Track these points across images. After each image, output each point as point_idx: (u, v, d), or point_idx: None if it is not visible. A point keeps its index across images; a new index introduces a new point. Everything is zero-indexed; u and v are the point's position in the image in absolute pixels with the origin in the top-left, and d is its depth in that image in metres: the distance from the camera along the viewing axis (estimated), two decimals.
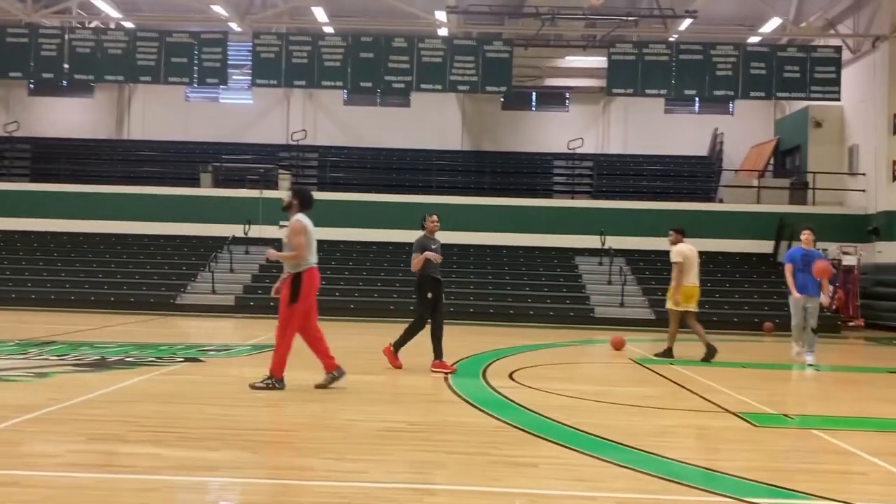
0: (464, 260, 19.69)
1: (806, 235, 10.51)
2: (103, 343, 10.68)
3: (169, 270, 18.75)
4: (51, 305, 17.01)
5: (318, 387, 7.28)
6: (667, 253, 20.32)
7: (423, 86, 19.95)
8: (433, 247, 8.84)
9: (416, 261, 8.73)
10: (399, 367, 8.74)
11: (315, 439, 5.34)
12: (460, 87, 20.20)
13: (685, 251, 10.79)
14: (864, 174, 20.16)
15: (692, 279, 10.72)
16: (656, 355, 10.99)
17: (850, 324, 17.76)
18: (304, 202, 7.35)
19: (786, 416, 6.86)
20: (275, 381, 7.21)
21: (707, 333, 10.81)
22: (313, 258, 7.24)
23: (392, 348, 8.88)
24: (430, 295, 8.73)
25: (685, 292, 10.70)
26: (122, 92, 25.24)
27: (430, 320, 8.83)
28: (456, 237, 20.13)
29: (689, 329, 11.00)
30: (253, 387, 7.15)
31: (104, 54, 19.87)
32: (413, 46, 19.71)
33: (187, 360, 9.30)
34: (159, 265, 19.08)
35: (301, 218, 7.23)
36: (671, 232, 11.16)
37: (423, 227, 9.07)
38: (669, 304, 10.94)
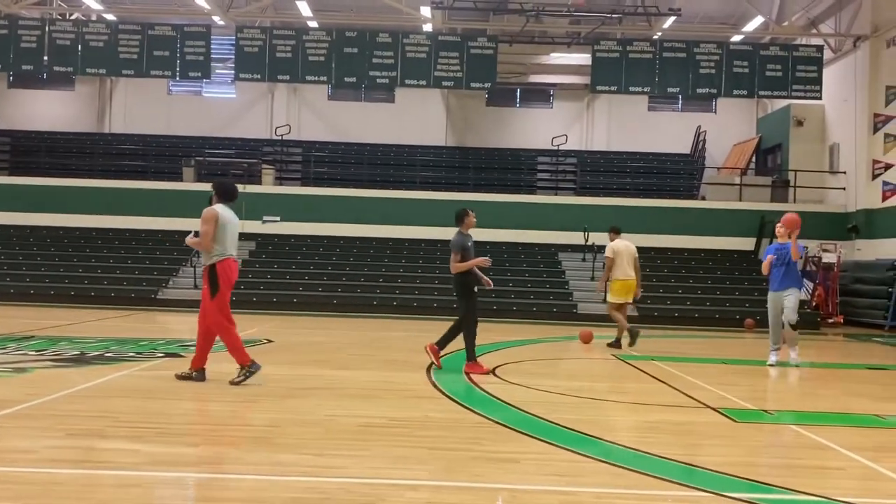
0: (448, 255, 19.65)
1: (778, 229, 10.16)
2: (83, 338, 10.58)
3: (150, 265, 18.61)
4: (30, 300, 16.84)
5: (179, 377, 7.23)
6: (650, 250, 20.52)
7: (407, 81, 19.91)
8: (469, 244, 8.61)
9: (463, 264, 8.40)
10: (488, 371, 8.36)
11: (295, 435, 5.32)
12: (445, 83, 20.17)
13: (617, 247, 11.41)
14: (844, 172, 20.37)
15: (626, 273, 11.31)
16: (609, 344, 11.45)
17: (830, 320, 17.94)
18: (221, 194, 7.39)
19: (765, 411, 6.91)
20: (247, 369, 7.17)
21: (689, 329, 10.97)
22: (229, 249, 7.20)
23: (468, 362, 8.44)
24: (476, 289, 8.48)
25: (621, 286, 11.34)
26: (103, 85, 24.99)
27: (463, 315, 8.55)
28: (440, 233, 20.13)
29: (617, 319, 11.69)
30: (233, 383, 7.12)
31: (85, 47, 19.65)
32: (397, 42, 19.65)
33: (168, 355, 9.23)
34: (140, 260, 18.92)
35: (215, 207, 7.26)
36: (609, 231, 11.81)
37: (460, 223, 8.71)
38: (608, 298, 11.56)
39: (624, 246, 11.45)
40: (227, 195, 7.42)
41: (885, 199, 18.72)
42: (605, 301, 12.07)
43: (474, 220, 8.79)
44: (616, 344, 11.57)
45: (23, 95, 25.13)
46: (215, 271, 7.13)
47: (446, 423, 5.91)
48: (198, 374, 7.29)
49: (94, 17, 22.41)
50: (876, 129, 19.04)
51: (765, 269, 10.16)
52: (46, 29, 19.75)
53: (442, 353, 8.68)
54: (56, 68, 19.98)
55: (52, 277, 17.80)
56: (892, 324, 17.11)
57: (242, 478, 4.32)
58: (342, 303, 17.28)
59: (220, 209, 7.27)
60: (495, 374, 8.37)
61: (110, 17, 22.04)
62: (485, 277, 8.67)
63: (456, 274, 8.57)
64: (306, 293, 17.63)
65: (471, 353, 8.47)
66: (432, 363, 8.57)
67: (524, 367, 9.34)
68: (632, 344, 11.35)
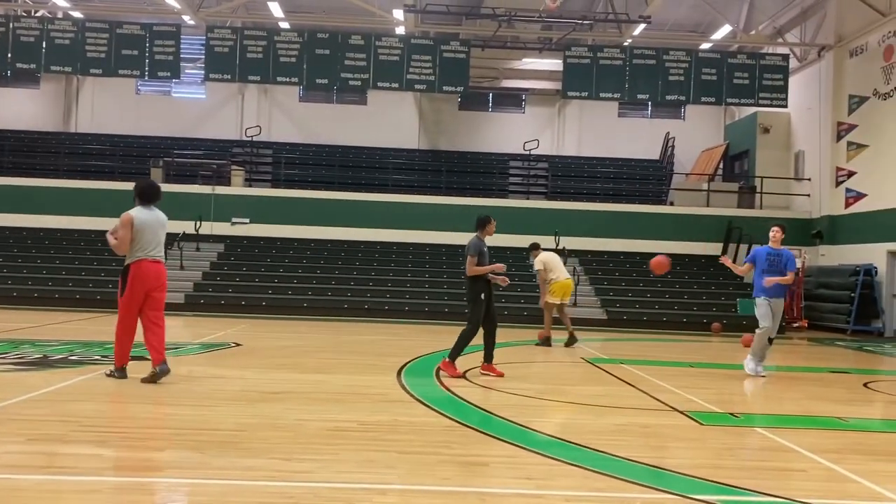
0: (419, 259, 19.68)
1: (774, 233, 9.61)
2: (46, 341, 10.38)
3: (117, 267, 18.20)
4: None
5: (144, 381, 7.16)
6: (619, 254, 20.70)
7: (379, 84, 19.88)
8: (485, 249, 8.54)
9: (479, 268, 8.29)
10: (461, 375, 8.31)
11: (264, 439, 5.26)
12: (417, 87, 20.17)
13: (544, 258, 12.43)
14: (809, 179, 20.76)
15: (561, 275, 12.35)
16: (566, 344, 12.26)
17: (795, 325, 18.26)
18: (140, 195, 7.45)
19: (731, 414, 7.01)
20: (116, 370, 7.33)
21: (657, 333, 11.10)
22: (143, 252, 7.23)
23: (447, 360, 8.41)
24: (482, 295, 8.35)
25: (560, 287, 12.29)
26: (69, 83, 24.59)
27: (484, 322, 8.49)
28: (411, 236, 20.13)
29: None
30: (108, 373, 7.40)
31: (50, 44, 19.32)
32: (370, 44, 19.62)
33: (134, 358, 9.04)
34: (107, 261, 18.60)
35: (131, 211, 7.34)
36: (531, 250, 12.86)
37: (480, 229, 8.59)
38: (547, 299, 12.38)
39: (549, 255, 12.54)
40: (144, 197, 7.43)
41: (847, 205, 19.12)
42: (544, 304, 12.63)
43: (494, 227, 8.72)
44: (571, 340, 12.30)
45: None
46: (127, 272, 7.21)
47: (416, 426, 5.90)
48: (155, 370, 7.20)
49: (60, 15, 22.04)
50: (839, 137, 19.45)
51: (743, 271, 9.90)
52: (10, 26, 19.37)
53: (494, 362, 8.60)
54: (19, 65, 19.60)
55: (15, 279, 17.44)
56: (855, 328, 17.47)
57: (209, 482, 4.26)
58: (312, 306, 17.17)
59: (136, 212, 7.31)
60: (466, 378, 8.37)
61: (77, 14, 21.69)
62: (499, 276, 8.54)
63: (469, 278, 8.46)
64: (276, 296, 17.50)
65: (454, 355, 8.43)
66: (495, 376, 8.43)
67: None
68: (568, 344, 12.37)
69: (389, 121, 24.71)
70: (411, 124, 25.10)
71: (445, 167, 23.43)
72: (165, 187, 22.63)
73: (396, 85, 19.94)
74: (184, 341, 11.25)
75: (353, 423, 5.90)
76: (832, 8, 19.64)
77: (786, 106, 20.51)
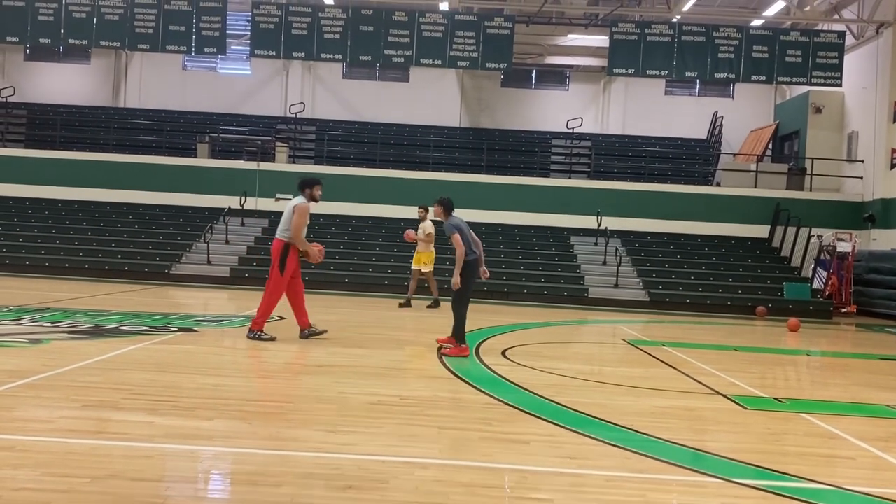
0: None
1: None
2: (97, 311, 10.68)
3: (164, 240, 18.70)
4: (45, 272, 16.99)
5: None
6: (663, 235, 20.47)
7: (422, 61, 19.80)
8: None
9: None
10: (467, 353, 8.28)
11: (308, 411, 5.37)
12: (460, 63, 20.04)
13: (431, 227, 14.13)
14: (862, 161, 20.15)
15: (432, 248, 14.34)
16: (428, 306, 13.96)
17: (843, 310, 17.83)
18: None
19: (776, 399, 6.91)
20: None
21: (700, 316, 10.94)
22: None
23: (454, 341, 8.34)
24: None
25: (434, 257, 14.29)
26: (118, 59, 25.03)
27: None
28: None
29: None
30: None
31: (100, 20, 19.66)
32: (413, 20, 19.53)
33: (181, 329, 9.30)
34: (154, 235, 19.02)
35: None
36: (427, 208, 13.88)
37: (451, 212, 8.71)
38: (430, 269, 14.26)
39: (430, 226, 14.19)
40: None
41: None
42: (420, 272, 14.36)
43: None
44: (435, 304, 14.09)
45: (39, 68, 25.20)
46: None
47: (457, 403, 5.95)
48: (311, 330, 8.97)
49: None
50: None
51: None
52: (63, 2, 19.75)
53: (440, 335, 8.56)
54: (71, 41, 20.00)
55: (67, 250, 17.93)
56: None
57: (255, 452, 4.37)
58: (354, 282, 17.33)
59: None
60: (505, 356, 8.38)
61: None
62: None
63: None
64: (318, 271, 17.66)
65: (460, 337, 8.33)
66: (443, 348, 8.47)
67: (534, 350, 9.36)
68: (431, 307, 14.07)
69: (432, 98, 24.64)
70: (453, 102, 25.00)
71: (487, 145, 23.32)
72: (211, 163, 22.96)
73: (439, 62, 19.85)
74: (229, 314, 11.48)
75: (394, 397, 5.97)
76: None
77: (840, 85, 19.87)
